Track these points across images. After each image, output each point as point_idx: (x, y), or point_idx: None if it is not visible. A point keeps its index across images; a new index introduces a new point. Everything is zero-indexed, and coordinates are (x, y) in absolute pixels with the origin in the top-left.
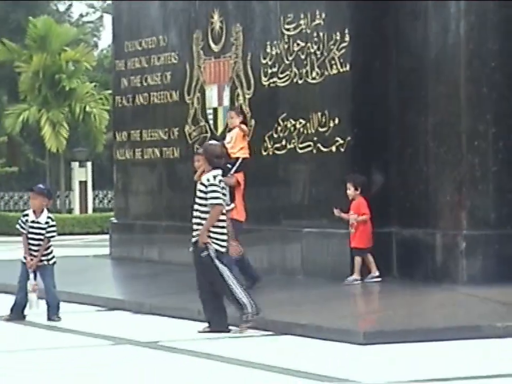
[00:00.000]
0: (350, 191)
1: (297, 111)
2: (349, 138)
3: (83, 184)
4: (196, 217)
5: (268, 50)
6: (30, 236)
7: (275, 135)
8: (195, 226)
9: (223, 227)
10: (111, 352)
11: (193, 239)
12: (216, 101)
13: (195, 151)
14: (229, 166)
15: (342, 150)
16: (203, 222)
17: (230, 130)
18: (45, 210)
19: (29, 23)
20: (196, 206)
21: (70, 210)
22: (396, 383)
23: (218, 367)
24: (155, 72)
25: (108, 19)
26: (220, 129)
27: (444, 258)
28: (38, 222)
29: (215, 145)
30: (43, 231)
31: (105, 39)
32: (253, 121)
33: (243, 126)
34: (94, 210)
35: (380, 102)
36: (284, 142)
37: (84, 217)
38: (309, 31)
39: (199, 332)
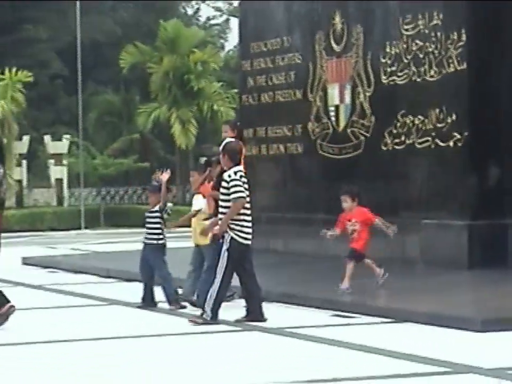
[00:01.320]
0: (348, 203)
1: (416, 108)
2: (466, 133)
3: None
4: (221, 213)
5: (388, 50)
6: (147, 222)
7: (394, 131)
8: (219, 220)
9: (245, 220)
10: (240, 338)
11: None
12: (338, 98)
13: (192, 169)
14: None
15: (459, 144)
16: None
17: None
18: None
19: (159, 26)
20: (220, 202)
21: None
22: None
23: (342, 353)
24: (279, 72)
25: (234, 22)
26: (342, 125)
27: None
28: (152, 211)
29: (234, 142)
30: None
31: (231, 40)
32: (373, 118)
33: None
34: None
35: (495, 98)
36: (403, 138)
37: None
38: (427, 31)
39: (237, 320)
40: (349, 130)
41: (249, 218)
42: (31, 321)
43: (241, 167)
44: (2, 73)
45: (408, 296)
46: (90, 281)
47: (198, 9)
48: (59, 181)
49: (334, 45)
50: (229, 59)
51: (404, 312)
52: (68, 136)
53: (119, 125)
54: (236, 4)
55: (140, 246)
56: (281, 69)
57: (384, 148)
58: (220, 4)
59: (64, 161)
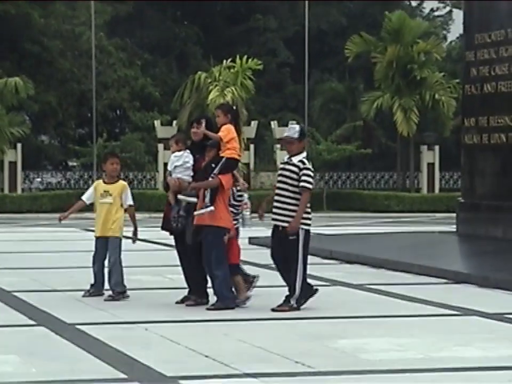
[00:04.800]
0: None
1: None
2: None
3: (431, 166)
4: (283, 196)
5: None
6: None
7: None
8: (280, 206)
9: (309, 207)
10: (459, 321)
11: (279, 223)
12: None
13: (109, 154)
14: (213, 165)
15: None
16: (290, 205)
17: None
18: None
19: (384, 17)
20: (282, 186)
21: (418, 190)
22: None
23: None
24: (503, 63)
25: (457, 13)
26: None
27: None
28: None
29: (303, 127)
30: None
31: (454, 32)
32: None
33: (223, 132)
34: (441, 190)
35: None
36: None
37: (431, 197)
38: None
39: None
40: None
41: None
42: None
43: (305, 154)
44: (234, 61)
45: None
46: (313, 262)
47: (422, 0)
48: None
49: None
50: (451, 50)
51: None
52: (294, 122)
53: (343, 112)
54: None
55: (361, 230)
56: (505, 59)
57: None
58: None
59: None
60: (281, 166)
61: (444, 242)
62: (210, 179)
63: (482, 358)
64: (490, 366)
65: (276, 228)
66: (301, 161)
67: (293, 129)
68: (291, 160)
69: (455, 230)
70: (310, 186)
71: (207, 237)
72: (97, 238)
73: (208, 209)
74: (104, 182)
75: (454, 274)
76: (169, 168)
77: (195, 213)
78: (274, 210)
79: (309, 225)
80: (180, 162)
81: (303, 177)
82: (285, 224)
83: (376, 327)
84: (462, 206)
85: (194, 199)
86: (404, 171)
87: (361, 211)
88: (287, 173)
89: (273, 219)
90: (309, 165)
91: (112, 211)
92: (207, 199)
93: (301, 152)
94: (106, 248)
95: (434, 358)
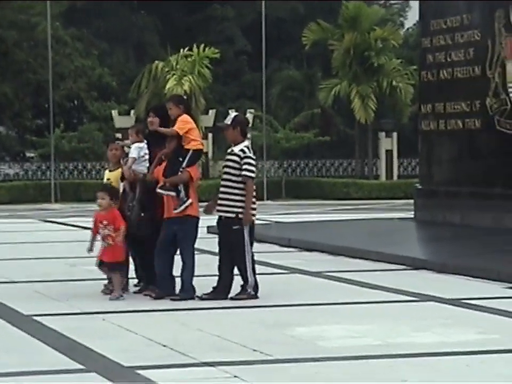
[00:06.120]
0: (105, 200)
1: None
2: None
3: (389, 152)
4: (226, 186)
5: None
6: None
7: None
8: (223, 197)
9: (254, 197)
10: (416, 307)
11: (222, 213)
12: None
13: (111, 141)
14: (180, 159)
15: None
16: (233, 195)
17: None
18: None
19: (341, 5)
20: (225, 176)
21: (376, 177)
22: None
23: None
24: (459, 49)
25: (413, 0)
26: None
27: None
28: None
29: (241, 115)
30: None
31: (411, 18)
32: None
33: (180, 127)
34: (399, 177)
35: None
36: None
37: (389, 183)
38: None
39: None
40: None
41: (254, 194)
42: None
43: (249, 142)
44: (191, 50)
45: None
46: (271, 250)
47: None
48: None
49: None
50: (408, 36)
51: None
52: (251, 110)
53: (301, 99)
54: None
55: (320, 218)
56: (461, 46)
57: None
58: None
59: (248, 135)
60: (226, 156)
61: (402, 229)
62: (179, 173)
63: (440, 343)
64: (448, 351)
65: (219, 218)
66: (241, 150)
67: (229, 116)
68: (233, 150)
69: (413, 216)
70: (252, 174)
71: (184, 226)
72: None
73: (188, 203)
74: (109, 170)
75: (412, 261)
76: (135, 155)
77: (175, 211)
78: (218, 201)
79: (253, 215)
80: (142, 153)
81: (245, 166)
82: (228, 215)
83: (334, 314)
84: (419, 192)
85: (173, 193)
86: (362, 158)
87: (320, 199)
88: (230, 163)
89: (217, 210)
90: (250, 153)
91: None
92: (182, 194)
93: (242, 141)
94: None
95: (392, 344)
